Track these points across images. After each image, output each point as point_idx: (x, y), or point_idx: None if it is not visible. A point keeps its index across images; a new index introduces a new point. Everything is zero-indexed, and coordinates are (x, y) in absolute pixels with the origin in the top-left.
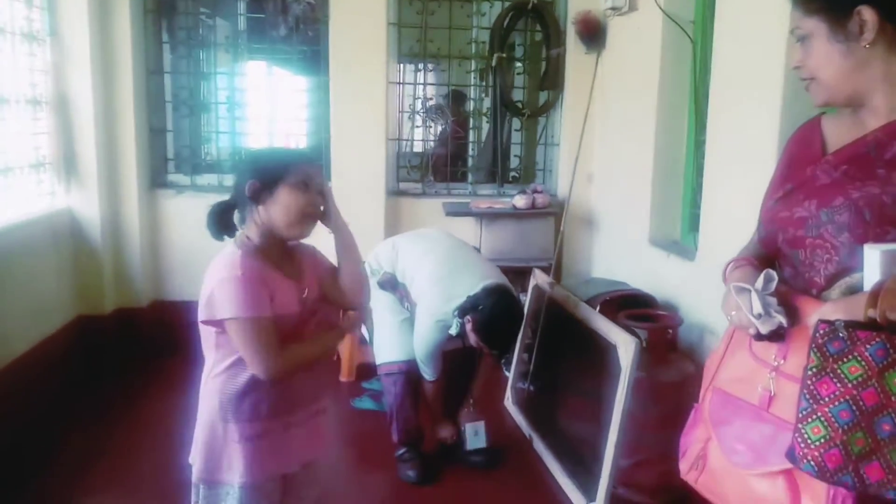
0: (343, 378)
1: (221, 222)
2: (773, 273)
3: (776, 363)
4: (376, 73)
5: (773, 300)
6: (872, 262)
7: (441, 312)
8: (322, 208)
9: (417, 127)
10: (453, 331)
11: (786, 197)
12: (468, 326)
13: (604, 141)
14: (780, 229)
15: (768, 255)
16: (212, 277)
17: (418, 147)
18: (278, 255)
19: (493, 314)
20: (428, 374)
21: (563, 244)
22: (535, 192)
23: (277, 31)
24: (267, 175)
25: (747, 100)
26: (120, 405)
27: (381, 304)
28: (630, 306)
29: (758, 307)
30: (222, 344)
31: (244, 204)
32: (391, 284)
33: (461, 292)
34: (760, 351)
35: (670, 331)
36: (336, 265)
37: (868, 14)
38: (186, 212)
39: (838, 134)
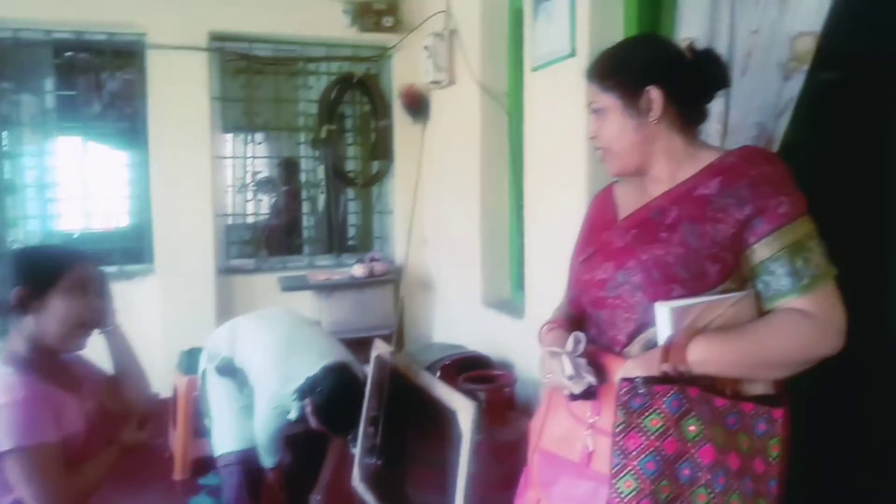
0: (177, 476)
1: None
2: (581, 335)
3: (592, 420)
4: (200, 147)
5: (583, 361)
6: (663, 319)
7: (279, 397)
8: (101, 312)
9: (248, 200)
10: (293, 416)
11: (588, 260)
12: (308, 409)
13: (435, 206)
14: (584, 291)
15: (576, 315)
16: None
17: (250, 220)
18: (52, 368)
19: (332, 396)
20: (268, 461)
21: (404, 310)
22: (372, 259)
23: (91, 107)
24: (36, 280)
25: (556, 166)
26: None
27: (219, 392)
28: (469, 368)
29: (569, 369)
30: (1, 484)
31: (6, 313)
32: (229, 370)
33: (300, 374)
34: (577, 409)
35: (507, 389)
36: (109, 371)
37: (655, 94)
38: None
39: (628, 200)
